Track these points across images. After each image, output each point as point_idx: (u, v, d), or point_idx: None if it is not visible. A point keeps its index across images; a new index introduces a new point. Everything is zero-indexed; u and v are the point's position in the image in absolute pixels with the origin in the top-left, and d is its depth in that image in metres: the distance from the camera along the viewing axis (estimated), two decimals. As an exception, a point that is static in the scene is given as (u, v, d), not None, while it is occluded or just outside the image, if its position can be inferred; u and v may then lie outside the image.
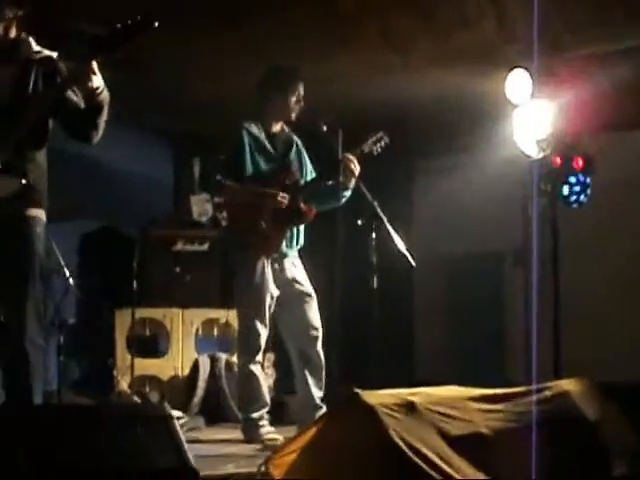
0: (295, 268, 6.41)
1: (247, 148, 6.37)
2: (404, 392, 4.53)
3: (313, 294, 6.39)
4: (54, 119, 4.95)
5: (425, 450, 4.16)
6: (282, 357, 6.81)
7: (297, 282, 6.37)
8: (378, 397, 4.35)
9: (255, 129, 6.43)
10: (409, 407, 4.37)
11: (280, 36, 7.54)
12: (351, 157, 6.28)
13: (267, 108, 6.50)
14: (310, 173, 6.64)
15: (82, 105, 4.87)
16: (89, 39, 4.77)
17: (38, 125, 4.87)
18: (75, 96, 4.87)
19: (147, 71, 8.31)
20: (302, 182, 6.53)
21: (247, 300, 6.34)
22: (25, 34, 5.00)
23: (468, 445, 4.39)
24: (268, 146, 6.46)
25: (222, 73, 8.29)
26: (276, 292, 6.30)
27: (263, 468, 4.52)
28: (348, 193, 6.34)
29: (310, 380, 6.25)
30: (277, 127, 6.55)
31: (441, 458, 4.20)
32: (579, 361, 6.56)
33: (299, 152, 6.63)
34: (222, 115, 7.14)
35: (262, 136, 6.45)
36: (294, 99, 6.42)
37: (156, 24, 4.52)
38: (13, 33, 4.95)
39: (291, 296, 6.36)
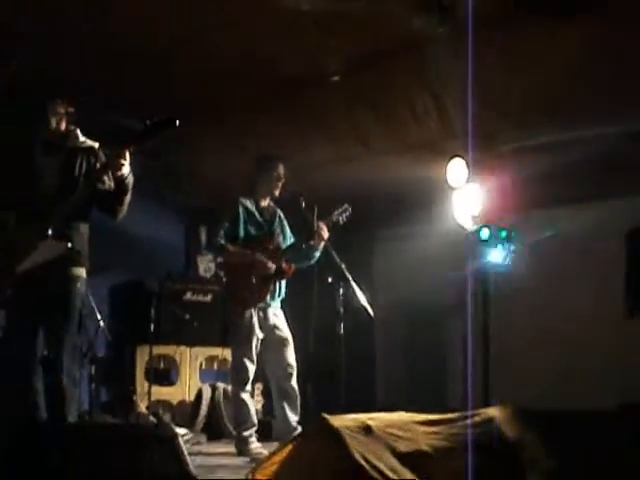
0: (276, 317, 6.40)
1: (242, 218, 6.41)
2: (363, 416, 4.52)
3: (290, 339, 6.37)
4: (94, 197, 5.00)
5: (380, 465, 4.16)
6: (269, 386, 6.77)
7: (277, 328, 6.37)
8: (342, 420, 4.34)
9: (248, 203, 6.48)
10: (367, 429, 4.35)
11: (267, 132, 7.63)
12: (321, 225, 6.33)
13: (256, 186, 6.54)
14: (289, 238, 6.65)
15: (112, 187, 4.93)
16: (124, 132, 4.85)
17: (83, 202, 4.92)
18: (108, 180, 4.92)
19: (165, 159, 8.37)
20: (283, 246, 6.54)
21: (238, 341, 6.35)
22: (73, 127, 5.06)
23: (414, 460, 4.38)
24: (258, 217, 6.49)
25: (222, 161, 8.34)
26: (261, 335, 6.30)
27: (250, 476, 4.52)
28: (318, 253, 6.41)
29: (287, 408, 6.23)
30: (265, 202, 6.58)
31: (394, 472, 4.19)
32: (504, 392, 6.55)
33: (281, 222, 6.66)
34: (223, 193, 7.17)
35: (253, 209, 6.49)
36: (275, 177, 6.48)
37: (177, 123, 4.60)
38: (63, 126, 5.02)
39: (272, 340, 6.35)
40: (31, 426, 4.59)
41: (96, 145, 5.05)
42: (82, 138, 5.07)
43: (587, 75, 6.46)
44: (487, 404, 5.86)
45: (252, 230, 6.45)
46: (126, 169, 4.80)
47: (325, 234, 6.33)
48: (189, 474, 3.60)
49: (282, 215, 6.69)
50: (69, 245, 4.81)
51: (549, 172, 7.78)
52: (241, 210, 6.44)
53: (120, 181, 4.84)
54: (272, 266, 6.31)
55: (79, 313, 5.01)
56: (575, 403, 7.60)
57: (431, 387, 9.95)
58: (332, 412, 4.39)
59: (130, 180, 4.88)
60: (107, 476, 3.42)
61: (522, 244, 7.69)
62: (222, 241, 6.35)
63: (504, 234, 7.59)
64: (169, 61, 6.66)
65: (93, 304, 7.27)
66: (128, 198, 4.95)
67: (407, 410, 5.01)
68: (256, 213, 6.50)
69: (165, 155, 8.22)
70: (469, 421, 4.89)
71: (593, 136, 7.33)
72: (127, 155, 4.76)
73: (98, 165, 4.92)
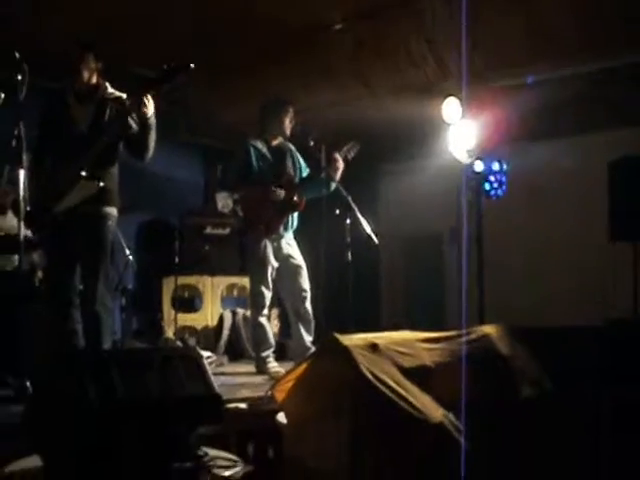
0: (290, 246, 6.38)
1: (253, 157, 6.34)
2: (370, 336, 4.55)
3: (303, 265, 6.36)
4: (123, 140, 5.03)
5: (387, 379, 4.19)
6: (285, 311, 6.80)
7: (291, 257, 6.35)
8: (351, 340, 4.37)
9: (259, 144, 6.39)
10: (374, 347, 4.39)
11: (276, 78, 7.59)
12: (337, 156, 6.26)
13: (267, 128, 6.48)
14: (304, 169, 6.58)
15: (137, 129, 4.94)
16: (144, 79, 4.86)
17: (112, 145, 4.97)
18: (134, 123, 4.93)
19: (183, 103, 8.33)
20: (296, 180, 6.49)
21: (255, 270, 6.35)
22: (102, 80, 5.10)
23: (417, 374, 4.42)
24: (268, 155, 6.39)
25: (236, 105, 8.30)
26: (276, 264, 6.29)
27: (269, 393, 4.57)
28: (334, 184, 6.28)
29: (302, 329, 6.24)
30: (276, 141, 6.50)
31: (399, 384, 4.22)
32: (498, 313, 6.57)
33: (293, 157, 6.55)
34: (237, 134, 7.14)
35: (265, 149, 6.39)
36: (287, 120, 6.42)
37: (192, 66, 4.61)
38: (94, 79, 5.05)
39: (286, 267, 6.34)
40: (71, 353, 4.66)
41: (124, 95, 5.07)
42: (111, 90, 5.11)
43: (573, 13, 6.42)
44: (482, 322, 5.86)
45: (264, 168, 6.37)
46: (149, 111, 4.84)
47: (340, 164, 6.26)
48: (214, 392, 3.62)
49: (293, 149, 6.59)
50: (101, 184, 4.85)
51: (537, 107, 7.76)
52: (252, 151, 6.35)
53: (144, 122, 4.88)
54: (281, 193, 6.26)
55: (111, 248, 5.05)
56: (559, 321, 7.68)
57: (431, 307, 10.04)
58: (342, 332, 4.42)
59: (153, 121, 4.91)
60: (141, 397, 3.43)
61: (512, 174, 7.66)
62: (235, 179, 6.32)
63: (497, 166, 7.56)
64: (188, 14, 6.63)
65: (122, 240, 7.30)
66: (153, 138, 4.97)
67: (410, 329, 5.05)
68: (267, 153, 6.41)
69: (183, 100, 8.18)
70: (466, 338, 4.94)
71: (577, 74, 7.30)
72: (148, 99, 4.80)
73: (125, 110, 4.92)
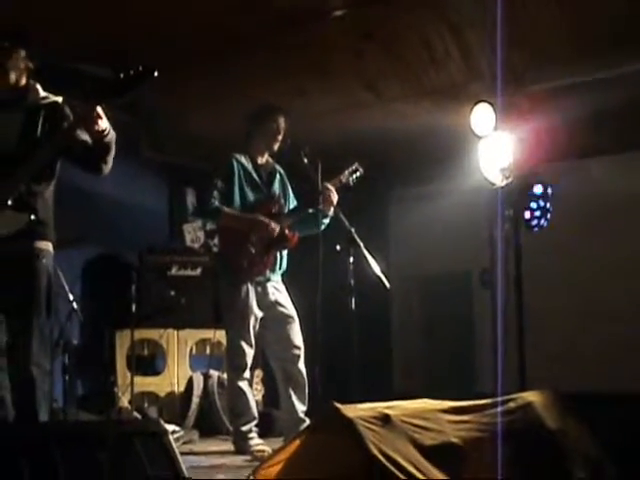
0: (278, 292, 6.41)
1: (237, 176, 6.40)
2: (380, 405, 4.54)
3: (295, 316, 6.39)
4: (66, 158, 4.99)
5: (401, 460, 4.17)
6: (270, 373, 6.80)
7: (280, 304, 6.38)
8: (356, 410, 4.36)
9: (243, 159, 6.46)
10: (385, 419, 4.38)
11: (259, 77, 7.60)
12: (330, 187, 6.33)
13: (252, 141, 6.53)
14: (292, 201, 6.66)
15: (90, 142, 4.90)
16: (95, 85, 4.84)
17: (47, 165, 4.92)
18: (84, 135, 4.89)
19: (145, 112, 8.36)
20: (285, 210, 6.54)
21: (233, 321, 6.36)
22: (33, 82, 5.04)
23: (440, 454, 4.39)
24: (255, 176, 6.48)
25: (209, 114, 8.33)
26: (260, 314, 6.31)
27: (251, 478, 4.54)
28: (327, 220, 6.39)
29: (293, 396, 6.26)
30: (262, 159, 6.57)
31: (416, 468, 4.20)
32: (542, 374, 6.57)
33: (283, 182, 6.65)
34: (211, 150, 7.16)
35: (249, 166, 6.47)
36: (274, 130, 6.46)
37: (156, 74, 4.58)
38: (23, 81, 5.00)
39: (274, 318, 6.37)
40: (-2, 426, 4.63)
41: (59, 100, 5.03)
42: (43, 93, 5.06)
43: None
44: (523, 387, 5.85)
45: (249, 191, 6.43)
46: (104, 123, 4.78)
47: (334, 197, 6.33)
48: (182, 477, 3.60)
49: (282, 173, 6.67)
50: (32, 217, 4.81)
51: (589, 116, 7.79)
52: (236, 167, 6.42)
53: (99, 137, 4.82)
54: (276, 227, 6.31)
55: (47, 293, 5.00)
56: (623, 384, 7.67)
57: (457, 369, 10.03)
58: (344, 401, 4.41)
59: (112, 136, 4.87)
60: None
61: (559, 199, 7.67)
62: (216, 203, 6.32)
63: (539, 189, 7.57)
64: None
65: (64, 283, 7.28)
66: (112, 154, 4.94)
67: (430, 397, 5.04)
68: (253, 172, 6.49)
69: (144, 108, 8.21)
70: (502, 408, 4.93)
71: (630, 73, 7.36)
72: (100, 110, 4.75)
73: (65, 123, 4.89)
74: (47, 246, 4.99)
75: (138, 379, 8.11)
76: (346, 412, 4.29)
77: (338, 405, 4.32)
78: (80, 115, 4.80)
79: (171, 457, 3.65)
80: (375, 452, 4.11)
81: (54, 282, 5.27)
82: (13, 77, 4.94)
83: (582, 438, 5.19)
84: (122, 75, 4.59)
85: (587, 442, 5.19)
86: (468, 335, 10.32)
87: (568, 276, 9.16)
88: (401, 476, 4.08)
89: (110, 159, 4.95)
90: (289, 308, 6.40)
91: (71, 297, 7.44)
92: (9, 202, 4.74)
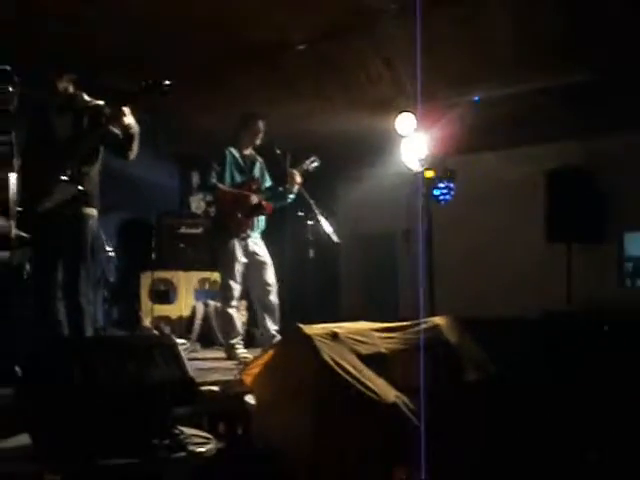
0: (256, 245, 6.38)
1: (228, 162, 6.37)
2: (330, 326, 4.58)
3: (269, 262, 6.36)
4: (104, 146, 5.01)
5: (346, 365, 4.23)
6: (252, 303, 6.78)
7: (257, 254, 6.35)
8: (313, 329, 4.40)
9: (233, 151, 6.43)
10: (334, 336, 4.42)
11: (245, 91, 7.59)
12: (295, 172, 6.33)
13: (240, 138, 6.50)
14: (267, 181, 6.63)
15: (121, 135, 4.92)
16: (123, 93, 4.83)
17: (92, 151, 4.94)
18: (117, 130, 4.91)
19: (163, 113, 8.28)
20: (262, 188, 6.54)
21: (225, 266, 6.33)
22: (79, 90, 5.05)
23: (374, 361, 4.46)
24: (241, 163, 6.44)
25: (209, 115, 8.28)
26: (244, 260, 6.28)
27: (238, 376, 4.57)
28: (293, 195, 6.40)
29: (268, 319, 6.25)
30: (247, 151, 6.53)
31: (357, 369, 4.26)
32: (446, 305, 6.61)
33: (261, 168, 6.60)
34: (210, 142, 7.11)
35: (238, 156, 6.43)
36: (256, 131, 6.43)
37: (168, 83, 4.60)
38: (71, 90, 5.00)
39: (253, 263, 6.34)
40: (57, 340, 4.62)
41: (100, 103, 5.02)
42: (88, 98, 5.06)
43: (511, 40, 6.51)
44: (433, 314, 5.92)
45: (237, 174, 6.41)
46: (129, 120, 4.83)
47: (298, 179, 6.33)
48: (188, 376, 3.62)
49: (261, 161, 6.63)
50: (80, 188, 4.80)
51: (481, 122, 7.83)
52: (228, 156, 6.39)
53: (126, 130, 4.86)
54: (255, 198, 6.30)
55: (91, 246, 5.00)
56: (502, 312, 7.77)
57: (385, 300, 10.09)
58: (305, 322, 4.44)
59: (135, 129, 4.90)
60: (121, 380, 3.43)
61: (458, 182, 7.70)
62: (214, 181, 6.29)
63: (445, 174, 7.60)
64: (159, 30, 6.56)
65: (104, 238, 7.26)
66: (136, 143, 4.96)
67: (366, 320, 5.08)
68: (240, 160, 6.44)
69: (162, 110, 8.13)
70: (418, 328, 4.98)
71: (517, 92, 7.40)
72: (126, 110, 4.78)
73: (103, 119, 4.88)
74: (92, 211, 5.01)
75: (156, 307, 8.10)
76: (306, 330, 4.33)
77: (300, 325, 4.36)
78: (112, 113, 4.81)
79: (180, 362, 3.65)
80: (327, 359, 4.16)
81: (97, 237, 5.27)
82: (61, 87, 4.98)
83: (474, 350, 5.27)
84: (144, 83, 4.63)
85: (478, 353, 5.26)
86: (393, 276, 10.43)
87: (466, 236, 9.27)
88: (346, 377, 4.13)
89: (135, 147, 4.97)
90: (265, 256, 6.37)
91: (109, 248, 7.43)
92: (64, 177, 4.73)
